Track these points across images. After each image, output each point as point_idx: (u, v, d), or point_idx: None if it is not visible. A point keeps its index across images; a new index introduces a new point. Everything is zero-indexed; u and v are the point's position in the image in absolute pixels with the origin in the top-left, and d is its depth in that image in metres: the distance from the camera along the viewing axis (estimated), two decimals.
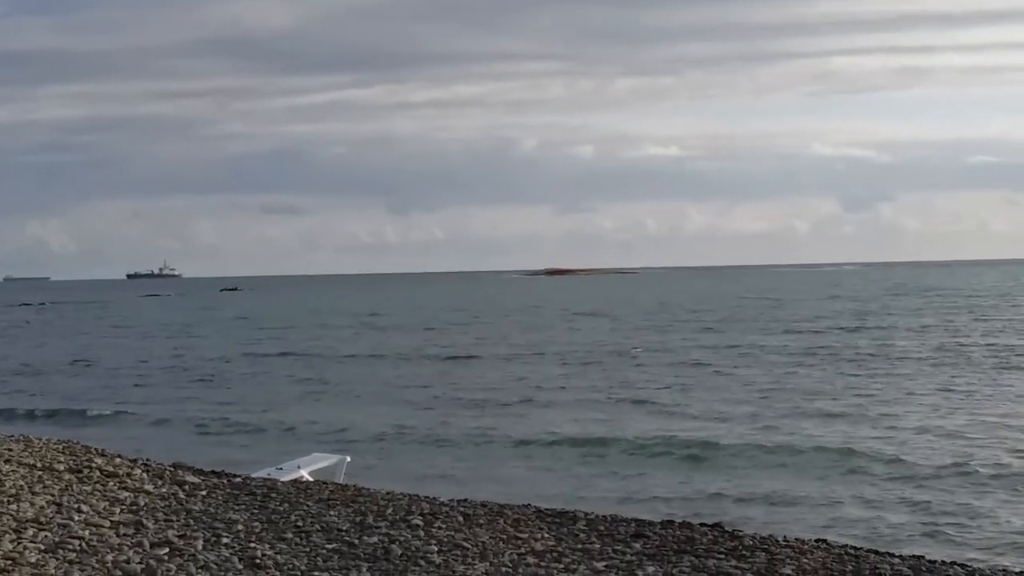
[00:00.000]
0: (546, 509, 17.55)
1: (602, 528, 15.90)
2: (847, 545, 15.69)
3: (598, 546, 14.52)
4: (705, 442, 27.48)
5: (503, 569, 13.03)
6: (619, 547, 14.51)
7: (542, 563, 13.42)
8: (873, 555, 14.86)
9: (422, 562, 13.17)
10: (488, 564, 13.24)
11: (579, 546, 14.50)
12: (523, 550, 14.15)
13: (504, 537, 14.98)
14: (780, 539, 15.55)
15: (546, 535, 15.22)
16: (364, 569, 12.75)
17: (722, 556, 14.14)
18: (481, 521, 16.08)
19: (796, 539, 15.82)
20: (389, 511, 16.30)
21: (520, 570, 13.05)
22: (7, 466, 17.29)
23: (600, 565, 13.37)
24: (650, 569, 13.28)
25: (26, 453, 18.62)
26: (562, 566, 13.28)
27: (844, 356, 50.61)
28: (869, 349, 53.55)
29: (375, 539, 14.32)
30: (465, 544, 14.29)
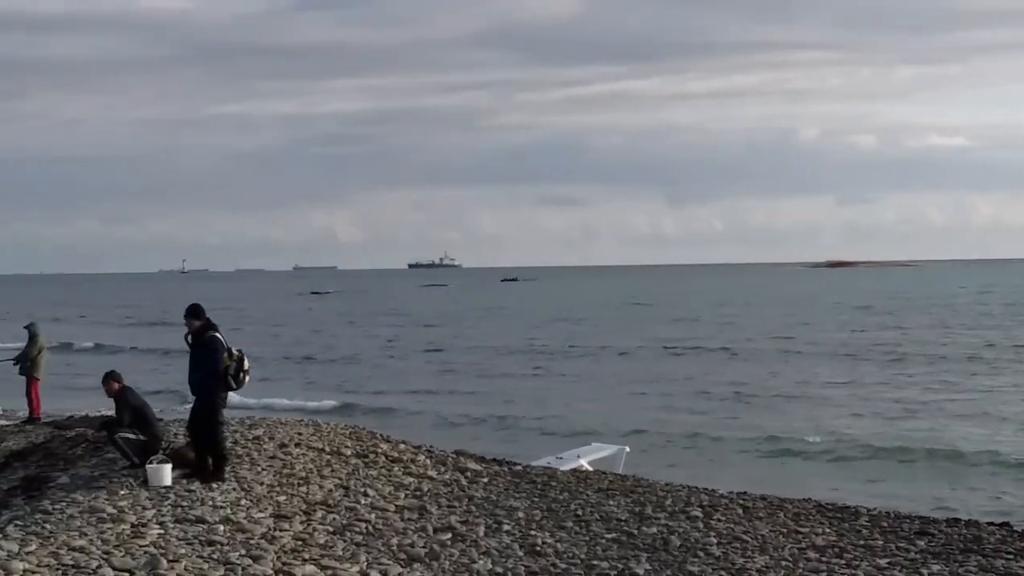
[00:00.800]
0: (827, 503, 17.23)
1: (885, 524, 15.53)
2: None
3: (880, 542, 14.18)
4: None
5: (783, 563, 12.85)
6: (902, 544, 14.14)
7: (823, 558, 13.18)
8: None
9: (701, 554, 13.09)
10: (768, 558, 13.07)
11: (861, 542, 14.19)
12: (803, 544, 13.92)
13: (784, 531, 14.76)
14: None
15: (827, 530, 14.94)
16: (643, 559, 12.74)
17: (1011, 556, 13.62)
18: (761, 514, 15.89)
19: None
20: (668, 502, 16.26)
21: (800, 565, 12.84)
22: (297, 450, 17.89)
23: (883, 562, 13.04)
24: (935, 567, 12.89)
25: (315, 438, 19.21)
26: (843, 562, 13.01)
27: None
28: None
29: (654, 529, 14.30)
30: (744, 537, 14.14)
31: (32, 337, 27.77)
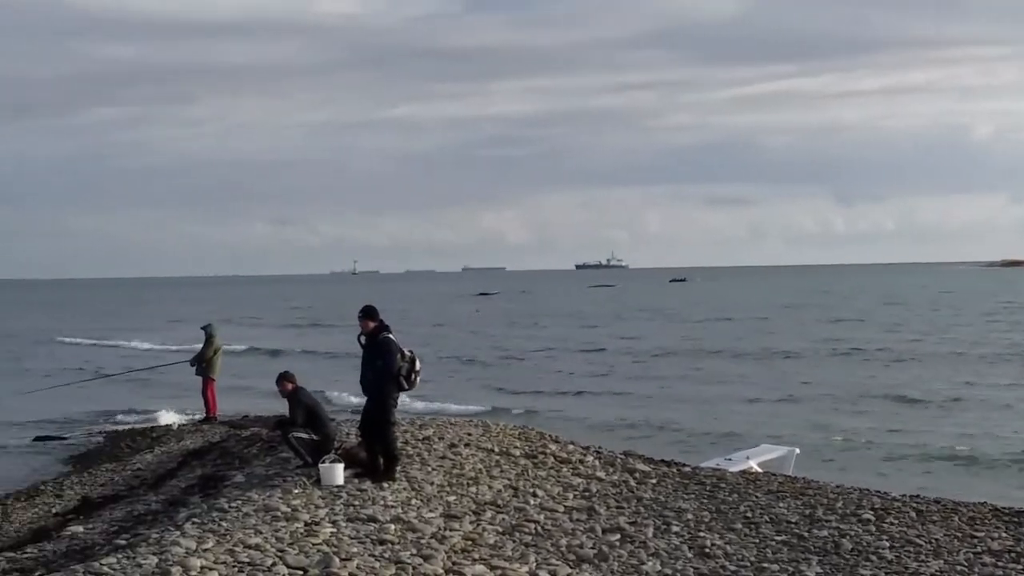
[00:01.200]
0: (1003, 508, 16.77)
1: None
2: None
3: None
4: None
5: (957, 568, 12.57)
6: None
7: (999, 563, 12.86)
8: None
9: (873, 557, 12.87)
10: (942, 562, 12.80)
11: None
12: (979, 549, 13.59)
13: (959, 535, 14.43)
14: None
15: (1003, 534, 14.55)
16: (814, 562, 12.58)
17: None
18: (934, 518, 15.54)
19: None
20: (839, 504, 16.01)
21: (975, 569, 12.55)
22: (467, 450, 18.04)
23: None
24: None
25: (484, 438, 19.35)
26: (1020, 567, 12.68)
27: None
28: None
29: (825, 532, 14.10)
30: (918, 541, 13.86)
31: (208, 338, 28.49)
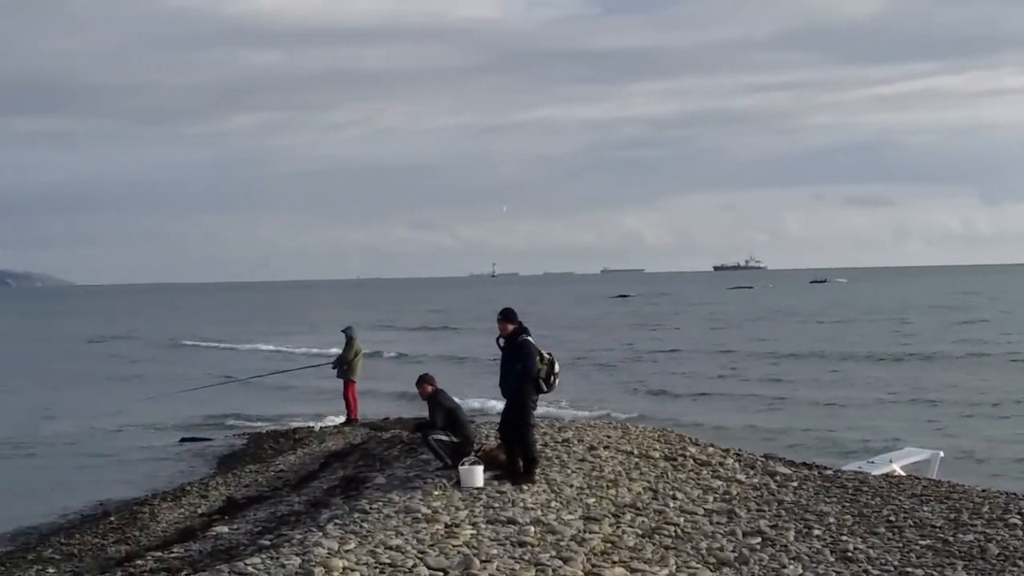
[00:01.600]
0: None
1: None
2: None
3: None
4: None
5: None
6: None
7: None
8: None
9: (1021, 563, 12.58)
10: None
11: None
12: None
13: None
14: None
15: None
16: (959, 567, 12.34)
17: None
18: None
19: None
20: (985, 509, 15.67)
21: None
22: (606, 452, 18.03)
23: None
24: None
25: (624, 440, 19.33)
26: None
27: None
28: None
29: (971, 537, 13.82)
30: None
31: (349, 341, 28.88)
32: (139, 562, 14.57)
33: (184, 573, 12.56)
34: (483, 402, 33.86)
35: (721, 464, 17.92)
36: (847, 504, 15.68)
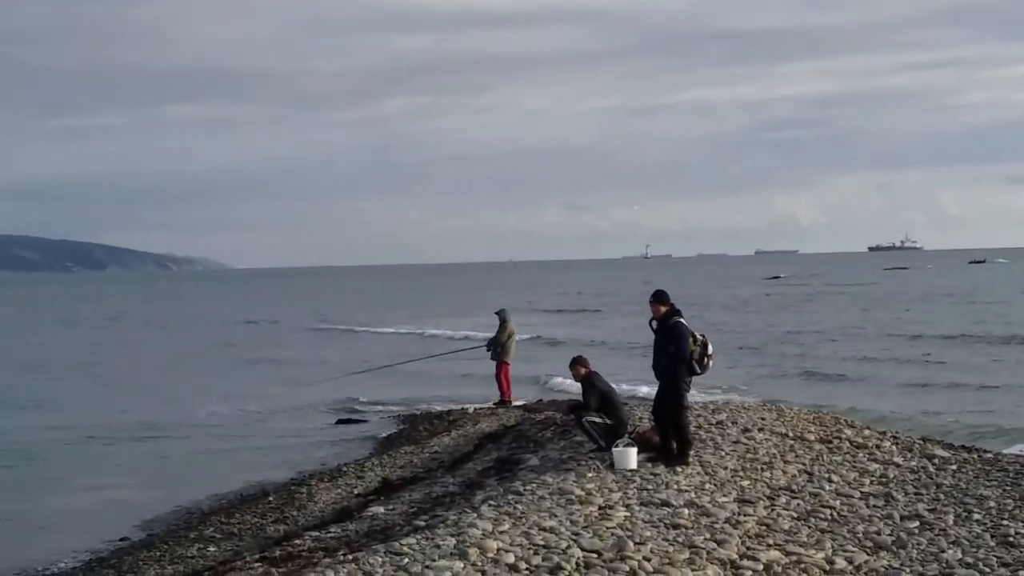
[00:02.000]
0: None
1: None
2: None
3: None
4: None
5: None
6: None
7: None
8: None
9: None
10: None
11: None
12: None
13: None
14: None
15: None
16: None
17: None
18: None
19: None
20: None
21: None
22: (761, 434, 17.92)
23: None
24: None
25: (778, 422, 19.19)
26: None
27: None
28: None
29: None
30: None
31: (502, 323, 29.06)
32: (297, 541, 14.89)
33: (341, 552, 12.77)
34: (635, 386, 33.77)
35: (878, 446, 17.69)
36: (1008, 488, 15.35)
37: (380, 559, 11.20)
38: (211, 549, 16.83)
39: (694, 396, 19.30)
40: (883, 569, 11.34)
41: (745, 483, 14.73)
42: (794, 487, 14.71)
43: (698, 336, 15.64)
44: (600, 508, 13.11)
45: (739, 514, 13.06)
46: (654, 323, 16.01)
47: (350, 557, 11.73)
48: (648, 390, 28.12)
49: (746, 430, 18.24)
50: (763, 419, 19.42)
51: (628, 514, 12.85)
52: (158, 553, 17.03)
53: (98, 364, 53.84)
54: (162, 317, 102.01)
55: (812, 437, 18.04)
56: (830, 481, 15.17)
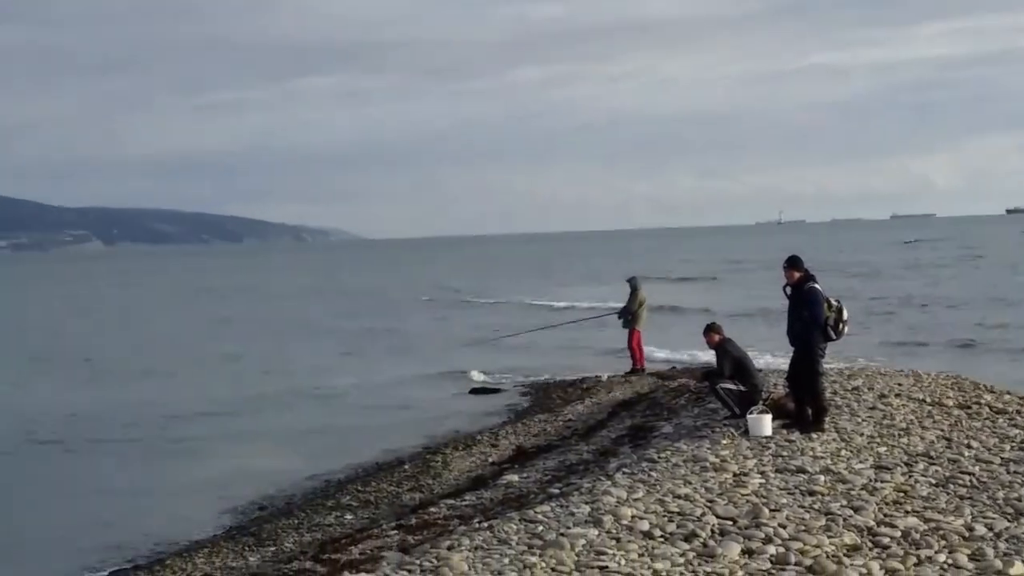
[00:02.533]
0: None
1: None
2: None
3: None
4: None
5: None
6: None
7: None
8: None
9: None
10: None
11: None
12: None
13: None
14: None
15: None
16: None
17: None
18: None
19: None
20: None
21: None
22: (897, 400, 17.72)
23: None
24: None
25: (915, 388, 18.95)
26: None
27: None
28: None
29: None
30: None
31: (633, 291, 29.06)
32: (432, 509, 15.08)
33: (476, 520, 12.91)
34: (761, 353, 33.52)
35: (1018, 412, 17.38)
36: None
37: (515, 526, 11.31)
38: (348, 517, 17.08)
39: (828, 362, 19.11)
40: None
41: (882, 449, 14.58)
42: (932, 453, 14.52)
43: (833, 302, 15.51)
44: (735, 475, 13.08)
45: (876, 480, 12.94)
46: (788, 289, 15.89)
47: (485, 525, 11.87)
48: (771, 359, 28.01)
49: (882, 396, 18.05)
50: (900, 385, 19.19)
51: (763, 481, 12.80)
52: (296, 521, 17.32)
53: (228, 336, 54.67)
54: (295, 288, 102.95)
55: (950, 403, 17.79)
56: (969, 447, 14.95)
